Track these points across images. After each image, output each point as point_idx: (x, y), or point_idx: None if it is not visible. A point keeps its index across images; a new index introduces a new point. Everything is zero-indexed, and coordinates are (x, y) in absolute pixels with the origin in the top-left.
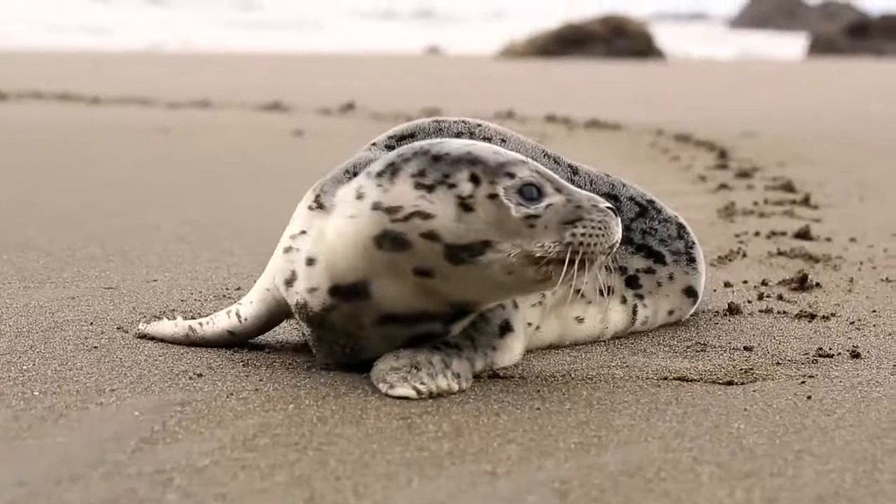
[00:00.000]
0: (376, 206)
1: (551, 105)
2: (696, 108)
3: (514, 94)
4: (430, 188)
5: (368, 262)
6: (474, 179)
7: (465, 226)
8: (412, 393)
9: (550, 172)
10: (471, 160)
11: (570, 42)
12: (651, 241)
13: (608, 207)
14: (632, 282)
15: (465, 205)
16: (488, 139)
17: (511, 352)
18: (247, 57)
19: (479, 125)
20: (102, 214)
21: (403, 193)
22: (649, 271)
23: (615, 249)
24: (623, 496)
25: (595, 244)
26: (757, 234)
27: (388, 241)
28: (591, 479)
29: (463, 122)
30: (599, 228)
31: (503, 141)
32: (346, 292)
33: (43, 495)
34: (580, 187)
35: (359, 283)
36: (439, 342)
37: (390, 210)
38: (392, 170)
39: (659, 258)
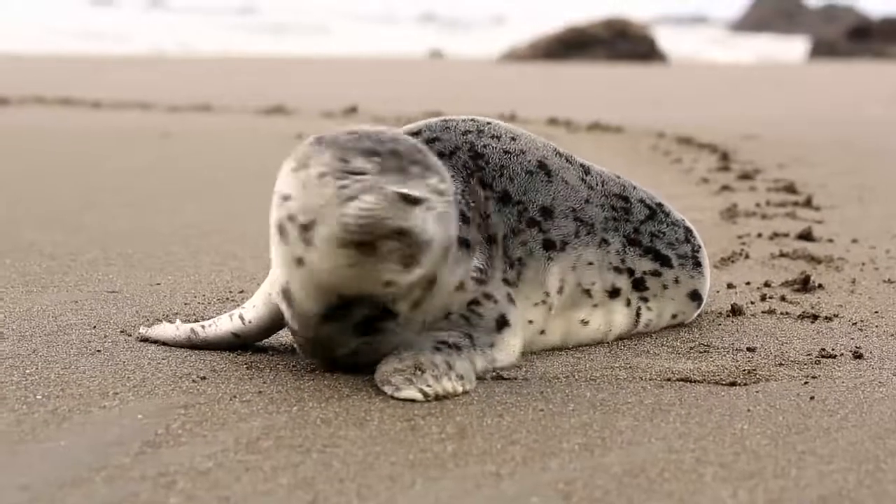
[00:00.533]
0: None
1: (553, 108)
2: (698, 111)
3: (517, 97)
4: (294, 170)
5: None
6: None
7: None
8: (418, 395)
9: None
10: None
11: (572, 45)
12: (659, 245)
13: (402, 194)
14: (639, 284)
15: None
16: (497, 137)
17: (509, 348)
18: (248, 60)
19: (489, 123)
20: (104, 218)
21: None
22: (656, 274)
23: (412, 237)
24: (626, 497)
25: (369, 223)
26: (759, 235)
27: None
28: (594, 480)
29: (472, 120)
30: (374, 208)
31: (513, 139)
32: None
33: (45, 499)
34: (591, 187)
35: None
36: (439, 342)
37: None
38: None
39: (666, 261)
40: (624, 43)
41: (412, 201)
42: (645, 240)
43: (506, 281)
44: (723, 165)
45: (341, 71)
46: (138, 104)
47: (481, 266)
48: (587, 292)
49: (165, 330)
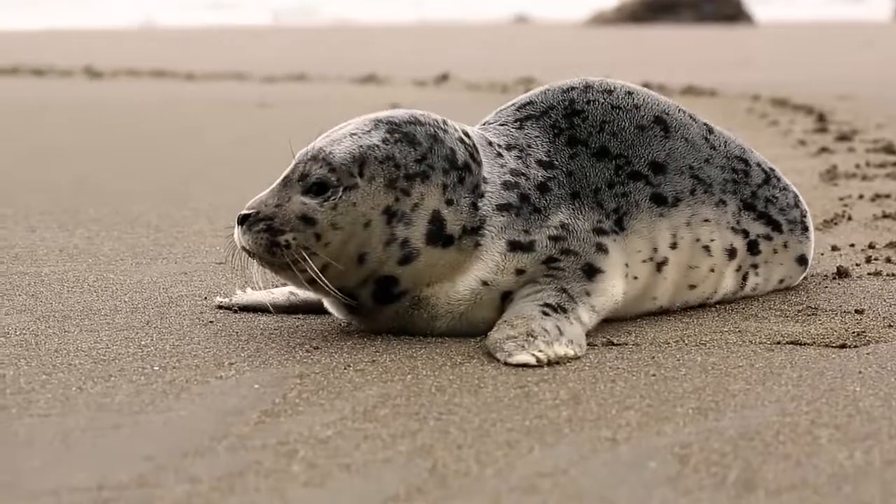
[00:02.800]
0: None
1: (645, 72)
2: (790, 72)
3: (607, 61)
4: None
5: None
6: None
7: None
8: (531, 360)
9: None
10: None
11: (658, 8)
12: (772, 210)
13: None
14: (752, 247)
15: None
16: (609, 91)
17: (607, 294)
18: (338, 30)
19: (605, 80)
20: (206, 190)
21: None
22: (767, 238)
23: (259, 254)
24: (743, 460)
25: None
26: (861, 197)
27: None
28: (710, 443)
29: (583, 79)
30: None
31: (629, 93)
32: None
33: (170, 469)
34: (713, 147)
35: None
36: (544, 306)
37: None
38: None
39: (777, 226)
40: (710, 4)
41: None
42: (760, 204)
43: (599, 230)
44: (820, 126)
45: (429, 37)
46: (233, 75)
47: (558, 224)
48: (706, 249)
49: (260, 296)
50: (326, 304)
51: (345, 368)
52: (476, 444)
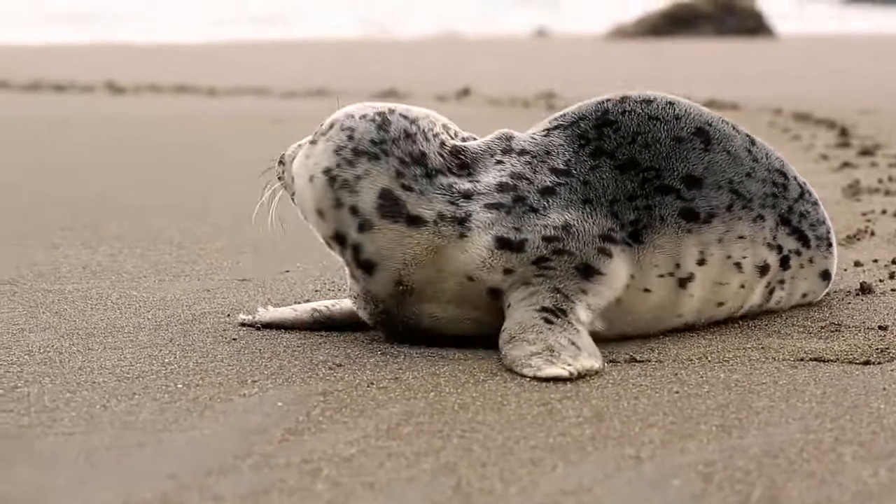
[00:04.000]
0: None
1: (667, 86)
2: (812, 86)
3: (628, 75)
4: None
5: None
6: None
7: None
8: (564, 373)
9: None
10: None
11: (679, 21)
12: (804, 225)
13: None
14: (784, 262)
15: None
16: (648, 101)
17: (603, 297)
18: (358, 44)
19: (646, 93)
20: (228, 206)
21: None
22: (797, 253)
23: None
24: (768, 478)
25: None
26: (884, 212)
27: None
28: (734, 461)
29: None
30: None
31: (670, 104)
32: None
33: (194, 487)
34: (756, 160)
35: None
36: (541, 310)
37: None
38: None
39: (806, 241)
40: (731, 18)
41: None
42: (795, 219)
43: (608, 238)
44: (842, 141)
45: (451, 52)
46: (254, 90)
47: (557, 225)
48: (738, 266)
49: (283, 313)
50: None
51: (368, 386)
52: (500, 462)
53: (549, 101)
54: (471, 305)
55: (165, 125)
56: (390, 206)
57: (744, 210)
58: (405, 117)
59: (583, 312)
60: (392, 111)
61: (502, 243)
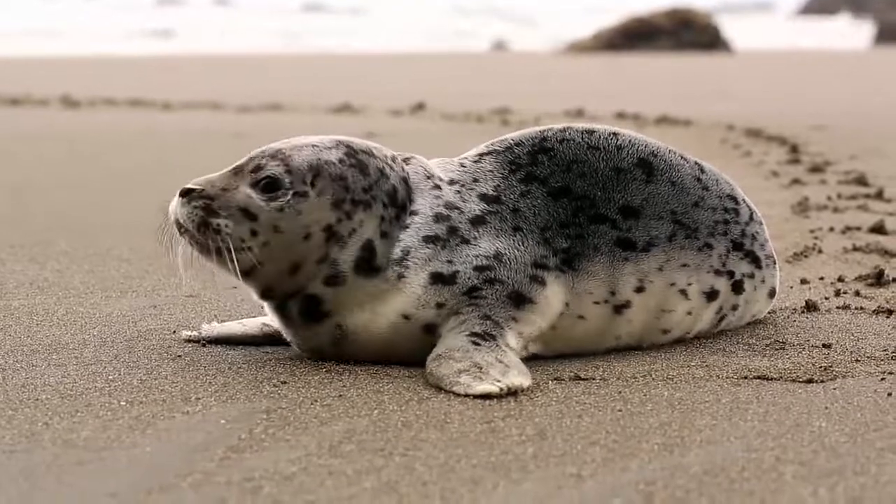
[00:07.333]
0: None
1: (621, 101)
2: (765, 102)
3: (583, 90)
4: None
5: None
6: None
7: None
8: (494, 389)
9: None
10: None
11: (636, 36)
12: (755, 247)
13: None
14: (737, 287)
15: None
16: (590, 132)
17: (534, 325)
18: (314, 58)
19: (593, 125)
20: None
21: None
22: (751, 276)
23: (189, 231)
24: (708, 497)
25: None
26: (832, 229)
27: None
28: (675, 480)
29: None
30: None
31: (614, 134)
32: None
33: None
34: (706, 188)
35: None
36: (471, 335)
37: None
38: None
39: (758, 263)
40: (688, 33)
41: (183, 194)
42: (747, 242)
43: (541, 265)
44: (793, 158)
45: (406, 67)
46: (209, 104)
47: (489, 254)
48: (682, 293)
49: (231, 328)
50: (268, 311)
51: (312, 403)
52: (441, 481)
53: (503, 117)
54: (405, 342)
55: (119, 140)
56: (366, 259)
57: (688, 239)
58: (370, 153)
59: (512, 339)
60: (351, 146)
61: (436, 278)
